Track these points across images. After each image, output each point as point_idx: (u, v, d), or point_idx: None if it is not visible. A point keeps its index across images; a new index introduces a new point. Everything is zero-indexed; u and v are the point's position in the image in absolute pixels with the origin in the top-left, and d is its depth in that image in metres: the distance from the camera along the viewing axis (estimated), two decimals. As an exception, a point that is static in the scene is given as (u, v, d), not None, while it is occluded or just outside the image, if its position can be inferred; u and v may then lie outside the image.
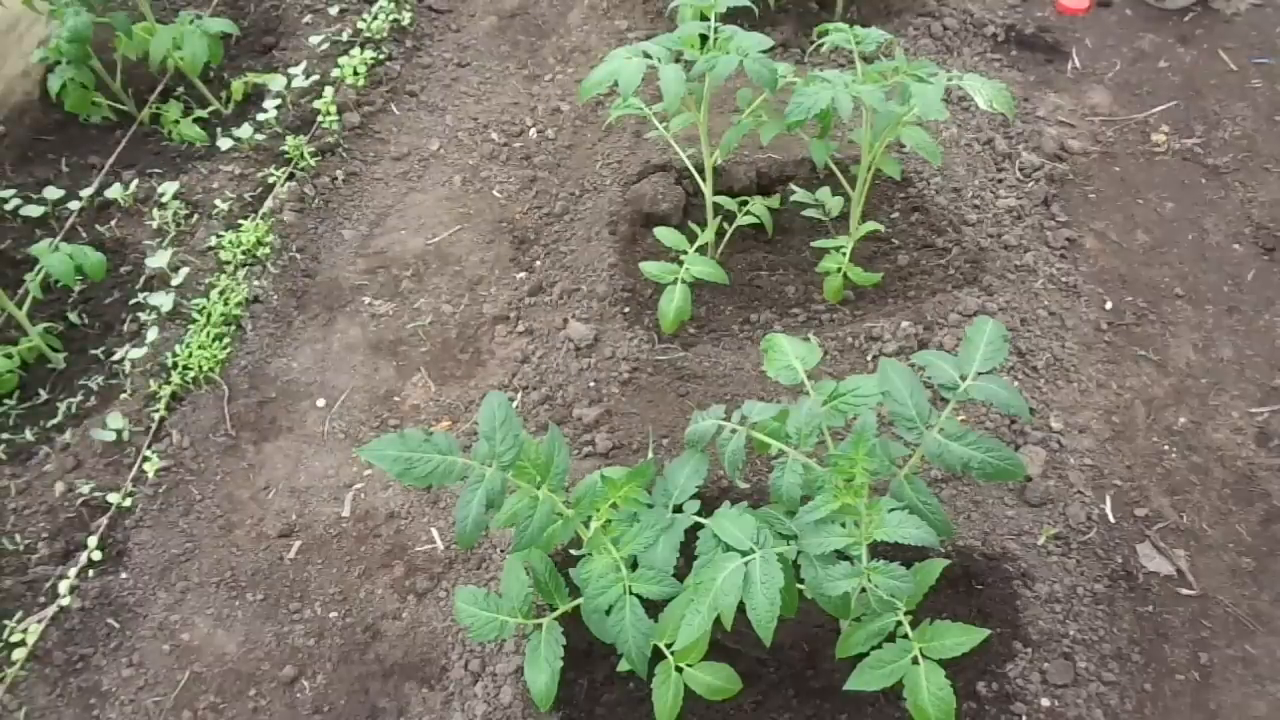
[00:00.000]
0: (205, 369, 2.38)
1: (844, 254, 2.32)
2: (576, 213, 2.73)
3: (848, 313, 2.41)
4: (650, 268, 2.29)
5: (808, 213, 2.54)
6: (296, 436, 2.34)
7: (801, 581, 1.47)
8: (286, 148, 2.86)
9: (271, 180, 2.81)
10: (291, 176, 2.83)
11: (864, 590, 1.42)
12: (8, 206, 2.79)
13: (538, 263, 2.64)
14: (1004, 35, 3.13)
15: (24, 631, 1.98)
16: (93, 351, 2.49)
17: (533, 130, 3.01)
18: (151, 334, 2.45)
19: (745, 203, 2.47)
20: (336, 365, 2.47)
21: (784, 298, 2.47)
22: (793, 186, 2.63)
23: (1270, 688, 1.83)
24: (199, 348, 2.40)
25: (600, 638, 1.53)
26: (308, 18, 3.34)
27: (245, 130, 2.91)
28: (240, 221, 2.69)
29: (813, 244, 2.47)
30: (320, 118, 2.94)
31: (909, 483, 1.51)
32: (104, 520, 2.15)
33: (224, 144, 2.91)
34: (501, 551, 2.07)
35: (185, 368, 2.37)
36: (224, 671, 1.98)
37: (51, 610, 2.02)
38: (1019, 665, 1.82)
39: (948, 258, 2.50)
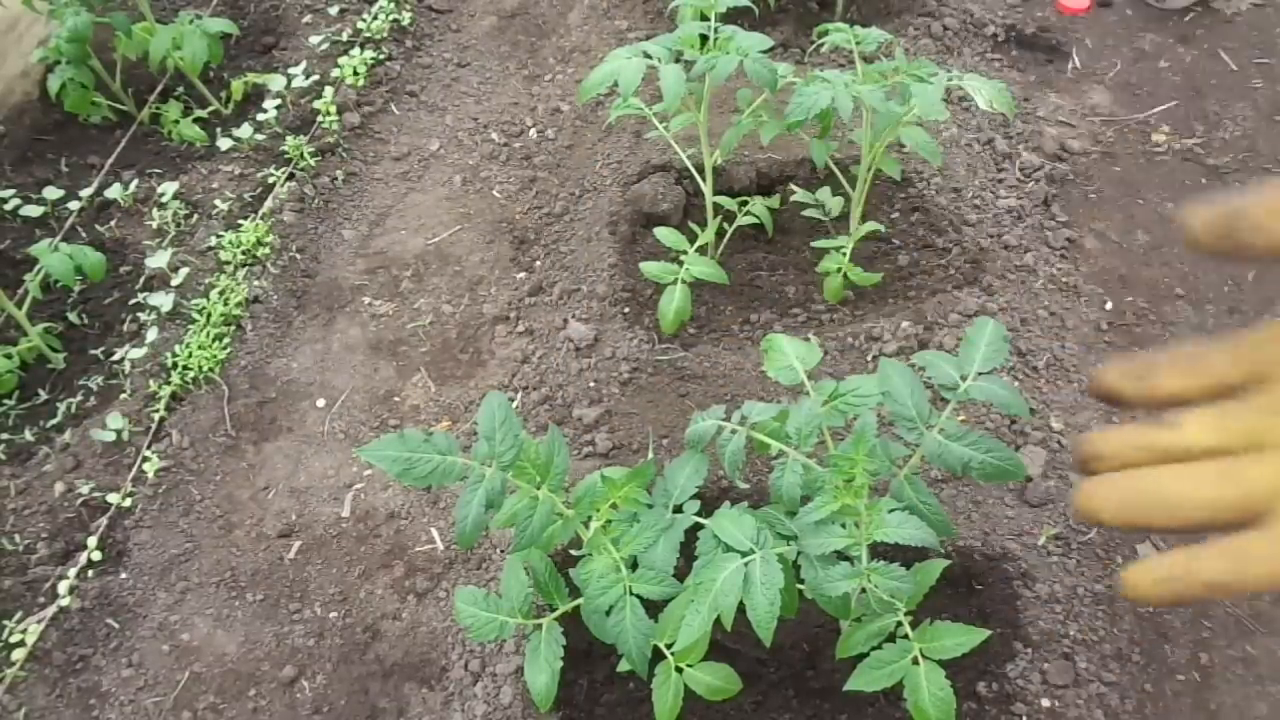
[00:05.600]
0: (205, 369, 2.38)
1: (844, 254, 2.32)
2: (576, 213, 2.73)
3: (848, 313, 2.41)
4: (650, 268, 2.29)
5: (808, 213, 2.54)
6: (296, 436, 2.34)
7: (801, 582, 1.47)
8: (286, 148, 2.86)
9: (271, 180, 2.81)
10: (291, 176, 2.82)
11: (864, 591, 1.42)
12: (7, 206, 2.79)
13: (538, 263, 2.64)
14: (1004, 35, 3.13)
15: (24, 632, 1.98)
16: (93, 351, 2.49)
17: (533, 130, 3.01)
18: (151, 334, 2.45)
19: (745, 203, 2.46)
20: (336, 365, 2.47)
21: (784, 298, 2.47)
22: (793, 186, 2.63)
23: (1270, 688, 1.83)
24: (199, 348, 2.39)
25: (600, 638, 1.52)
26: (308, 18, 3.34)
27: (245, 130, 2.91)
28: (240, 221, 2.69)
29: (813, 244, 2.47)
30: (320, 118, 2.94)
31: (909, 483, 1.50)
32: (104, 520, 2.15)
33: (224, 144, 2.91)
34: (501, 551, 2.07)
35: (185, 368, 2.37)
36: (224, 672, 1.98)
37: (51, 610, 2.02)
38: (1019, 665, 1.82)
39: (948, 258, 2.49)
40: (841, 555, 1.43)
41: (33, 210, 2.76)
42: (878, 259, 2.53)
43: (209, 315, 2.47)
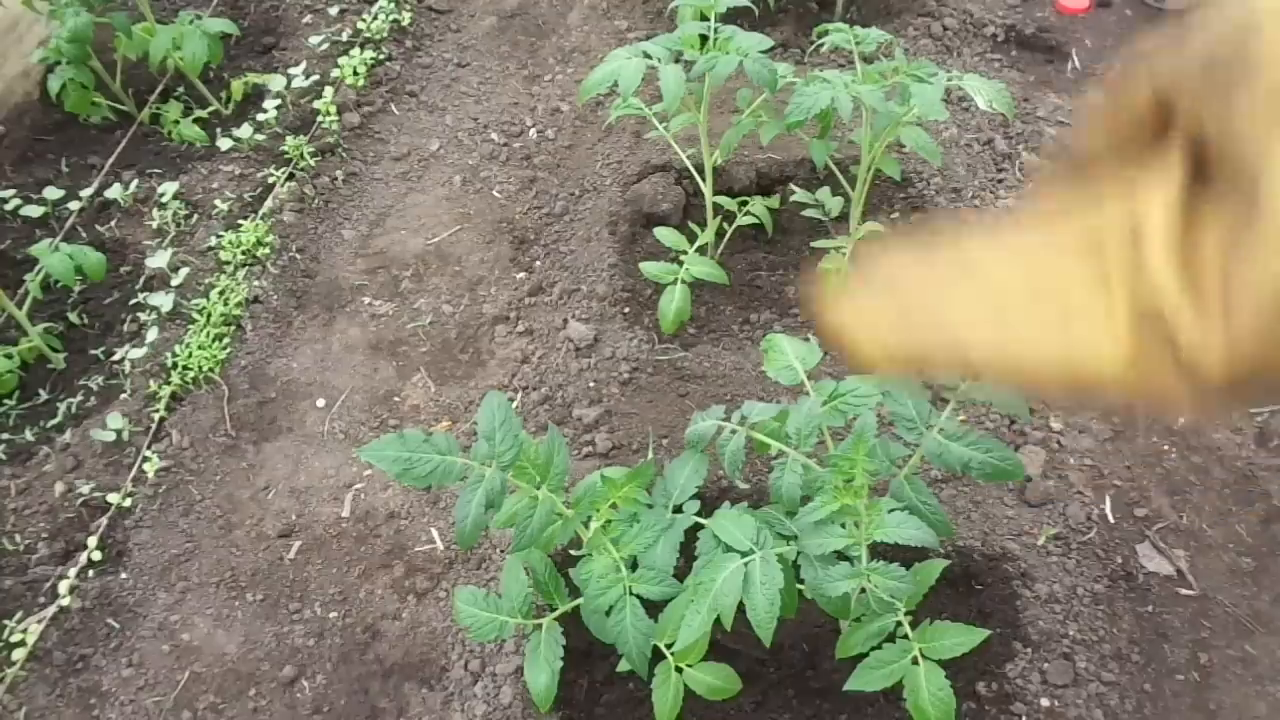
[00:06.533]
0: (205, 369, 2.38)
1: (844, 254, 2.32)
2: (576, 213, 2.73)
3: (848, 313, 2.41)
4: (650, 268, 2.29)
5: (808, 213, 2.54)
6: (296, 436, 2.34)
7: (801, 582, 1.47)
8: (286, 148, 2.86)
9: (271, 180, 2.81)
10: (291, 177, 2.82)
11: (864, 590, 1.42)
12: (8, 206, 2.79)
13: (538, 263, 2.64)
14: (1004, 35, 3.13)
15: (24, 631, 1.98)
16: (93, 351, 2.49)
17: (533, 130, 3.01)
18: (151, 334, 2.45)
19: (745, 203, 2.46)
20: (336, 365, 2.47)
21: (784, 298, 2.47)
22: (793, 186, 2.63)
23: (1270, 688, 1.83)
24: (199, 348, 2.39)
25: (600, 638, 1.53)
26: (308, 18, 3.34)
27: (245, 130, 2.91)
28: (240, 222, 2.69)
29: (813, 244, 2.47)
30: (320, 118, 2.94)
31: (909, 483, 1.50)
32: (104, 520, 2.15)
33: (224, 144, 2.91)
34: (501, 551, 2.07)
35: (185, 368, 2.37)
36: (224, 671, 1.98)
37: (51, 610, 2.02)
38: (1019, 665, 1.82)
39: (948, 258, 2.49)
40: (841, 555, 1.43)
41: (33, 210, 2.76)
42: (878, 259, 2.52)
43: (209, 315, 2.47)
